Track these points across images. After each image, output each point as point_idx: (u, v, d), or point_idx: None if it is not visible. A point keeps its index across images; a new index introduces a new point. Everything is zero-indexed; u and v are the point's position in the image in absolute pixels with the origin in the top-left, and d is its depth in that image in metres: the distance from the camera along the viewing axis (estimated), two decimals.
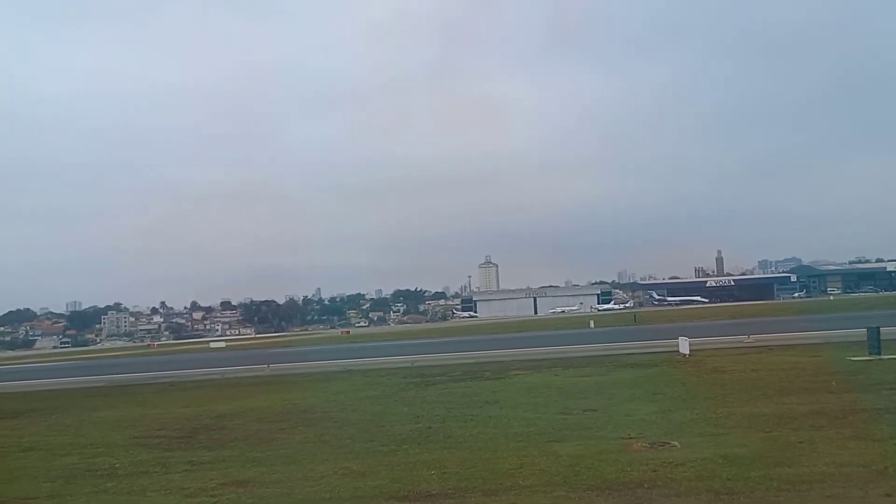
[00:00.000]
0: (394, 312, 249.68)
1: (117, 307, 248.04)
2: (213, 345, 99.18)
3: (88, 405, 27.70)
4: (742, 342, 34.01)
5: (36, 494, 14.16)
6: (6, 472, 16.48)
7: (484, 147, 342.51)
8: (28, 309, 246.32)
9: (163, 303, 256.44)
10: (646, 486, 11.51)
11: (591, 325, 70.36)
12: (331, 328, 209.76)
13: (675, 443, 14.38)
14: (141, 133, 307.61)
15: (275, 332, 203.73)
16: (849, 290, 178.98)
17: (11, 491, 14.60)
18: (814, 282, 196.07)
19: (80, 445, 18.92)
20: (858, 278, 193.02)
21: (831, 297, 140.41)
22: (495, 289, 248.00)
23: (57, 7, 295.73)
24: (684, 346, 29.03)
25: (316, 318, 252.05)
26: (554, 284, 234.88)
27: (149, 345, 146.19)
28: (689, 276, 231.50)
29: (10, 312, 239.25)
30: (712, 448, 13.69)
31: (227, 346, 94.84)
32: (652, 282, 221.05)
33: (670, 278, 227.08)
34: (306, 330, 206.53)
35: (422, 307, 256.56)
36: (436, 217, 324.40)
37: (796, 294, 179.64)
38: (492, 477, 12.72)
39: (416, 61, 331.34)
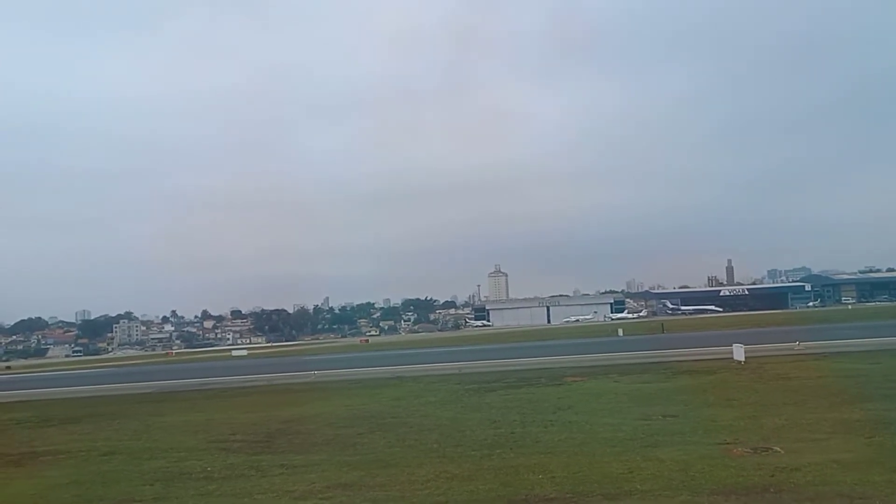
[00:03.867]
0: (404, 321, 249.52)
1: (128, 316, 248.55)
2: (234, 353, 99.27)
3: (146, 411, 27.76)
4: (792, 349, 33.86)
5: (140, 497, 14.24)
6: (97, 475, 16.55)
7: (494, 156, 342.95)
8: (39, 318, 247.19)
9: (173, 311, 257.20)
10: (772, 490, 11.50)
11: (620, 333, 70.23)
12: (342, 337, 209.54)
13: (778, 448, 14.33)
14: (150, 141, 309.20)
15: (286, 341, 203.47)
16: (863, 300, 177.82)
17: (112, 493, 14.68)
18: (828, 291, 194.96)
19: (160, 449, 18.99)
20: (872, 287, 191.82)
21: (849, 307, 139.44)
22: (505, 298, 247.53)
23: (65, 15, 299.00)
24: (739, 353, 28.93)
25: (326, 327, 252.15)
26: (563, 294, 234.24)
27: (167, 353, 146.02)
28: (700, 286, 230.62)
29: (22, 321, 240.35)
30: (818, 453, 13.64)
31: (248, 354, 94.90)
32: (662, 291, 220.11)
33: (680, 287, 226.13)
34: (317, 339, 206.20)
35: (432, 316, 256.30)
36: (444, 226, 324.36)
37: (810, 303, 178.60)
38: (604, 481, 12.70)
39: (428, 71, 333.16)
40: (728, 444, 15.10)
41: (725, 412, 18.88)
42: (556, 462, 14.36)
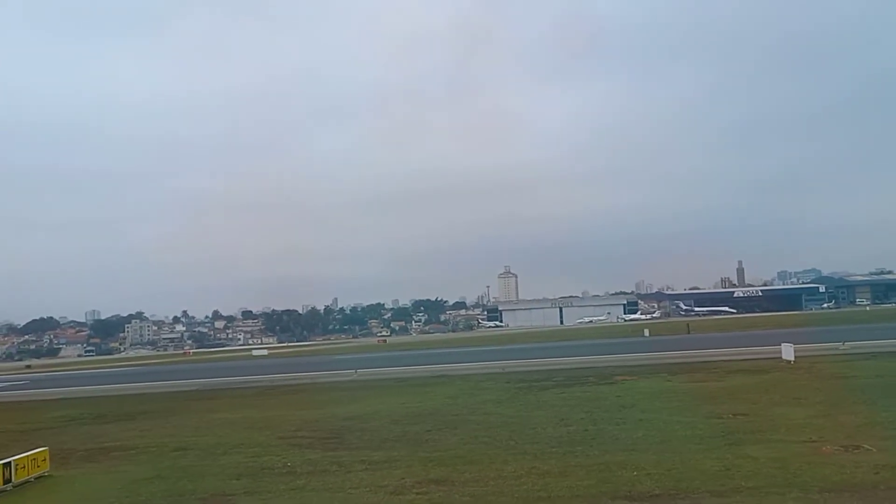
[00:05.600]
0: (415, 322, 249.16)
1: (139, 316, 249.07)
2: (255, 353, 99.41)
3: (199, 408, 27.87)
4: (837, 349, 33.67)
5: (231, 491, 14.32)
6: (177, 470, 16.65)
7: (503, 158, 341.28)
8: (51, 317, 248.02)
9: (185, 312, 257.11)
10: (882, 487, 11.49)
11: (646, 333, 69.99)
12: (353, 337, 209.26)
13: (868, 446, 14.28)
14: (159, 142, 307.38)
15: (297, 341, 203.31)
16: (877, 301, 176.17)
17: (200, 488, 14.76)
18: (842, 292, 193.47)
19: (231, 445, 19.07)
20: (887, 289, 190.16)
21: (867, 308, 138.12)
22: (514, 299, 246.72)
23: (72, 17, 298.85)
24: (788, 352, 28.80)
25: (337, 327, 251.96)
26: (572, 295, 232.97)
27: (185, 352, 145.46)
28: (709, 287, 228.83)
29: (34, 321, 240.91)
30: None
31: (269, 353, 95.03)
32: (674, 292, 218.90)
33: (690, 289, 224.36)
34: (328, 339, 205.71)
35: (443, 317, 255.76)
36: (452, 227, 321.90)
37: (824, 304, 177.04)
38: (704, 478, 12.68)
39: (437, 73, 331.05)
40: (814, 441, 15.06)
41: (796, 411, 18.81)
42: (644, 459, 14.34)
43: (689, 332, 69.52)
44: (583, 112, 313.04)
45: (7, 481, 15.15)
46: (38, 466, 16.35)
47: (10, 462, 15.36)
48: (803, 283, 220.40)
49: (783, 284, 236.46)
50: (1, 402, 38.78)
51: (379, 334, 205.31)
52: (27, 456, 16.08)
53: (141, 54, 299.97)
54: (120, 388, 42.32)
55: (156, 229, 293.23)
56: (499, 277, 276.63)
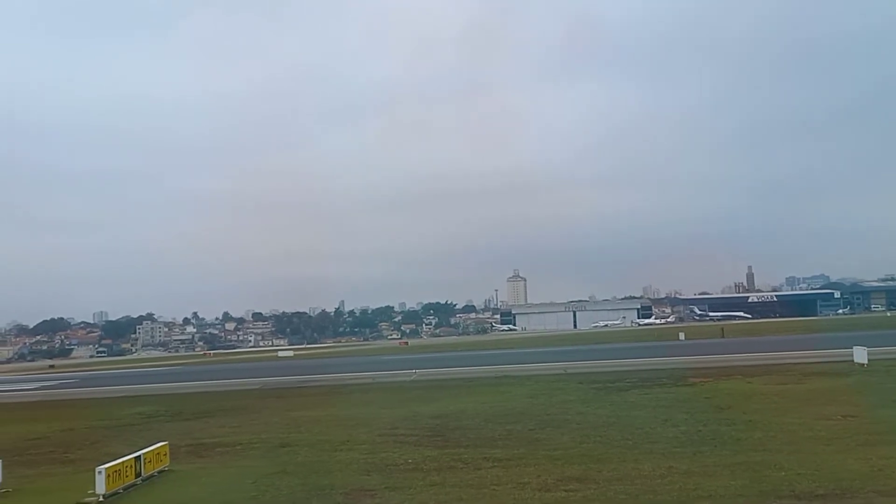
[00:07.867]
0: (426, 325, 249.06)
1: (150, 317, 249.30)
2: (280, 354, 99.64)
3: (275, 406, 27.96)
4: None
5: (370, 487, 14.32)
6: (299, 465, 16.75)
7: (511, 160, 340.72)
8: (61, 318, 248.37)
9: (195, 313, 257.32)
10: None
11: (682, 337, 70.10)
12: (364, 340, 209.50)
13: None
14: (165, 142, 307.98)
15: (307, 343, 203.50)
16: (893, 307, 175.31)
17: (336, 483, 14.78)
18: (857, 298, 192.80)
19: (337, 442, 19.12)
20: None
21: (888, 314, 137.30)
22: (523, 302, 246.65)
23: (79, 18, 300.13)
24: (861, 355, 28.72)
25: (347, 329, 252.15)
26: (581, 299, 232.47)
27: (205, 354, 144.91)
28: (717, 292, 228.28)
29: (45, 322, 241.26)
30: None
31: (294, 355, 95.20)
32: (686, 297, 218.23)
33: (700, 294, 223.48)
34: (339, 341, 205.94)
35: (452, 320, 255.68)
36: (461, 230, 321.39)
37: (840, 310, 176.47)
38: (861, 479, 12.69)
39: (445, 74, 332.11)
40: None
41: None
42: (783, 459, 14.31)
43: (723, 336, 69.40)
44: (591, 115, 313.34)
45: (138, 475, 15.19)
46: (161, 461, 16.39)
47: (140, 456, 15.39)
48: (812, 288, 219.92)
49: (791, 290, 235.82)
50: (66, 399, 39.23)
51: (390, 337, 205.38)
52: (152, 450, 16.12)
53: (147, 54, 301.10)
54: (173, 386, 42.53)
55: (163, 230, 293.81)
56: (507, 281, 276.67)
